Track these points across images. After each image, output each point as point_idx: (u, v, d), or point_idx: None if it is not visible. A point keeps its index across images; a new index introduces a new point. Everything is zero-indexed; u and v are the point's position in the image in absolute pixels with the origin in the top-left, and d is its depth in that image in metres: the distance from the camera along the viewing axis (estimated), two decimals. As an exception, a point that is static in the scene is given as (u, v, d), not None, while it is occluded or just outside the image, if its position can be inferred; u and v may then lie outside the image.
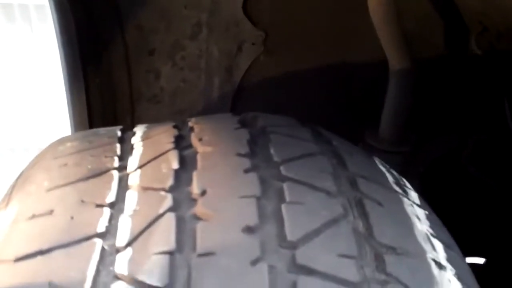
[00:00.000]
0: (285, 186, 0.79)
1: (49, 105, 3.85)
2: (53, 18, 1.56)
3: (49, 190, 0.83)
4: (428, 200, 0.97)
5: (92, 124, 1.72)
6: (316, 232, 0.72)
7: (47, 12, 3.48)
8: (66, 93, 1.67)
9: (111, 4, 1.60)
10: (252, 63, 1.75)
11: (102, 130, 1.05)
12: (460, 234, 0.97)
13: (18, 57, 3.76)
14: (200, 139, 0.90)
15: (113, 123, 1.77)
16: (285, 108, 1.76)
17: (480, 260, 1.92)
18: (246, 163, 0.82)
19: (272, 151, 0.86)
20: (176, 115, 1.81)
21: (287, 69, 1.78)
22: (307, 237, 0.71)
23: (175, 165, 0.84)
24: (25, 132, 3.97)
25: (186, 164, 0.84)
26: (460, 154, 1.75)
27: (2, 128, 3.94)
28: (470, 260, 1.91)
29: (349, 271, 0.69)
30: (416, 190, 0.95)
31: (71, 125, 1.73)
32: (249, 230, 0.72)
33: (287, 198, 0.77)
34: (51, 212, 0.78)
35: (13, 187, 0.92)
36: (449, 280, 0.74)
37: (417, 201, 0.89)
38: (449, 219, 0.96)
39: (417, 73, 1.55)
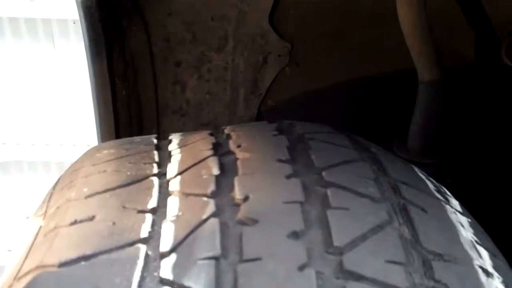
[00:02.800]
0: (328, 191, 0.78)
1: (72, 123, 3.88)
2: (82, 29, 1.57)
3: (89, 196, 0.83)
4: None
5: (118, 135, 1.72)
6: (362, 238, 0.71)
7: (69, 26, 3.52)
8: (94, 104, 1.68)
9: (139, 16, 1.61)
10: (277, 75, 1.75)
11: (137, 138, 1.05)
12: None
13: (41, 73, 3.79)
14: (238, 146, 0.90)
15: (139, 134, 1.77)
16: (311, 121, 1.76)
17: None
18: (287, 169, 0.82)
19: (312, 157, 0.86)
20: (201, 127, 1.81)
21: (313, 81, 1.77)
22: (354, 243, 0.71)
23: (216, 171, 0.83)
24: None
25: (226, 170, 0.84)
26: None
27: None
28: None
29: (398, 277, 0.68)
30: None
31: (98, 136, 1.73)
32: (294, 235, 0.71)
33: (332, 204, 0.76)
34: (92, 217, 0.78)
35: (50, 194, 0.92)
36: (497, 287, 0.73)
37: (459, 208, 0.88)
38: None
39: (447, 83, 1.54)
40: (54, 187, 0.94)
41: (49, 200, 0.89)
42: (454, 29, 1.60)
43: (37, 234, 0.81)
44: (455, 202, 0.90)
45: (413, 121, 1.59)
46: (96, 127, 1.71)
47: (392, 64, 1.69)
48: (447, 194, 0.92)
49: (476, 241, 0.80)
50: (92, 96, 1.67)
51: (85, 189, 0.84)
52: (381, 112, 1.78)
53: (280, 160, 0.84)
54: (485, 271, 0.74)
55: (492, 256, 0.79)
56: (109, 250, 0.72)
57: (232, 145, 0.91)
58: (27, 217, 0.87)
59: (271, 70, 1.75)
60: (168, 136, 1.05)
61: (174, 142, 0.98)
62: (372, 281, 0.67)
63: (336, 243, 0.70)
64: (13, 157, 3.96)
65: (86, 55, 1.61)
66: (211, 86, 1.78)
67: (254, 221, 0.73)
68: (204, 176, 0.83)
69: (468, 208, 0.90)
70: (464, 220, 0.84)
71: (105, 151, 0.97)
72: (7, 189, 4.15)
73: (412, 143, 1.60)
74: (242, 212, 0.75)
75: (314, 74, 1.76)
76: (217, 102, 1.81)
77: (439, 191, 0.89)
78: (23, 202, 4.11)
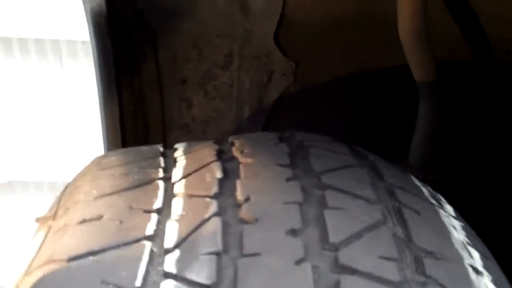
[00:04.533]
0: (326, 193, 0.82)
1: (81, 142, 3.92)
2: (92, 45, 1.61)
3: (97, 197, 0.86)
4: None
5: (125, 150, 1.75)
6: (357, 236, 0.75)
7: (77, 47, 3.57)
8: (101, 119, 1.71)
9: (147, 32, 1.65)
10: (282, 93, 1.77)
11: (143, 147, 1.09)
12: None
13: (49, 93, 3.84)
14: (241, 152, 0.94)
15: (146, 150, 1.80)
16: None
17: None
18: (288, 172, 0.86)
19: (311, 162, 0.89)
20: (207, 144, 1.84)
21: (317, 100, 1.80)
22: (349, 240, 0.74)
23: (219, 174, 0.87)
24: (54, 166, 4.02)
25: (229, 174, 0.88)
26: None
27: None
28: None
29: (390, 271, 0.71)
30: None
31: (104, 151, 1.76)
32: (293, 232, 0.75)
33: (329, 204, 0.79)
34: (100, 217, 0.82)
35: (60, 198, 0.96)
36: (486, 285, 0.76)
37: (453, 213, 0.92)
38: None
39: (448, 99, 1.57)
40: (63, 192, 0.98)
41: (58, 203, 0.93)
42: (455, 46, 1.63)
43: (47, 233, 0.85)
44: (449, 208, 0.93)
45: (414, 138, 1.62)
46: (103, 141, 1.74)
47: (396, 81, 1.71)
48: (442, 200, 0.95)
49: (467, 243, 0.83)
50: (100, 111, 1.71)
51: (94, 191, 0.88)
52: (384, 129, 1.81)
53: (281, 165, 0.88)
54: (475, 270, 0.78)
55: (483, 257, 0.83)
56: (116, 246, 0.76)
57: (235, 151, 0.95)
58: (36, 219, 0.90)
59: (275, 88, 1.78)
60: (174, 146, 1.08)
61: (180, 149, 1.02)
62: (366, 275, 0.70)
63: (332, 240, 0.74)
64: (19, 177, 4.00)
65: (95, 71, 1.65)
66: (216, 103, 1.81)
67: (254, 220, 0.77)
68: (208, 179, 0.86)
69: (470, 223, 0.93)
70: (457, 223, 0.88)
71: (113, 157, 1.01)
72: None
73: (412, 159, 1.63)
74: (243, 212, 0.79)
75: (319, 93, 1.79)
76: (222, 119, 1.84)
77: (433, 197, 0.93)
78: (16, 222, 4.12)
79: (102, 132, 1.75)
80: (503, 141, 1.75)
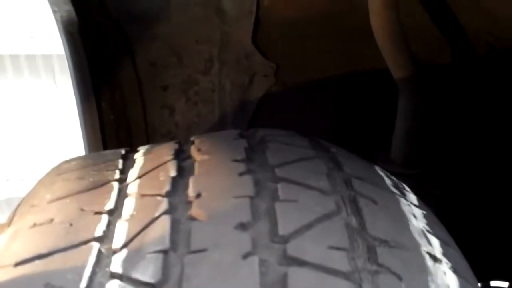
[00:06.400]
0: (279, 186, 0.80)
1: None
2: (66, 56, 1.60)
3: (50, 202, 0.85)
4: (446, 222, 0.96)
5: (107, 160, 1.74)
6: (307, 227, 0.73)
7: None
8: (81, 129, 1.70)
9: (124, 40, 1.64)
10: (264, 95, 1.76)
11: (107, 151, 1.08)
12: (481, 257, 0.96)
13: (43, 108, 3.84)
14: (199, 150, 0.92)
15: (129, 159, 1.78)
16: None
17: (504, 284, 1.90)
18: (241, 167, 0.84)
19: (268, 156, 0.88)
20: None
21: (299, 100, 1.79)
22: (299, 232, 0.72)
23: (173, 173, 0.85)
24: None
25: (184, 172, 0.86)
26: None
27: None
28: (494, 283, 1.88)
29: (339, 261, 0.69)
30: (433, 213, 0.95)
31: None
32: (241, 226, 0.73)
33: (281, 197, 0.78)
34: (51, 220, 0.80)
35: (18, 205, 0.95)
36: (444, 273, 0.74)
37: (415, 202, 0.89)
38: (468, 242, 0.95)
39: (427, 94, 1.55)
40: (22, 200, 0.96)
41: (15, 210, 0.91)
42: (431, 43, 1.62)
43: (1, 240, 0.83)
44: (412, 197, 0.91)
45: (395, 133, 1.60)
46: (85, 152, 1.73)
47: (376, 78, 1.70)
48: (406, 190, 0.93)
49: (427, 230, 0.81)
50: (79, 121, 1.70)
51: (48, 196, 0.87)
52: (366, 126, 1.79)
53: (236, 160, 0.86)
54: (433, 257, 0.76)
55: (443, 244, 0.80)
56: (64, 249, 0.74)
57: (193, 150, 0.93)
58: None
59: (257, 90, 1.77)
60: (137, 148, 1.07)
61: (141, 151, 1.00)
62: (314, 266, 0.68)
63: (281, 232, 0.72)
64: (17, 194, 4.00)
65: (72, 81, 1.64)
66: (199, 108, 1.80)
67: (204, 216, 0.75)
68: (161, 178, 0.85)
69: (458, 217, 0.91)
70: (418, 212, 0.85)
71: (73, 162, 0.99)
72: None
73: (394, 154, 1.61)
74: (194, 209, 0.77)
75: (301, 93, 1.78)
76: (206, 123, 1.82)
77: (396, 187, 0.91)
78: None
79: (83, 142, 1.73)
80: (488, 134, 1.73)
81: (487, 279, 1.88)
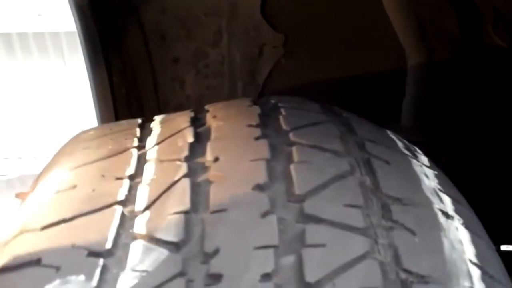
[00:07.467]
0: (293, 149, 0.82)
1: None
2: (77, 31, 1.61)
3: (72, 169, 0.88)
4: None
5: (120, 133, 1.76)
6: (323, 186, 0.75)
7: (78, 39, 3.56)
8: (94, 103, 1.72)
9: (134, 14, 1.65)
10: (274, 66, 1.77)
11: (124, 121, 1.10)
12: (489, 223, 0.98)
13: (52, 88, 3.85)
14: (214, 116, 0.95)
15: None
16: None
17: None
18: (257, 132, 0.86)
19: (281, 121, 0.90)
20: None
21: (308, 71, 1.79)
22: (314, 191, 0.75)
23: (190, 139, 0.88)
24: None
25: (201, 138, 0.88)
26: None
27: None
28: (503, 248, 1.91)
29: (355, 218, 0.72)
30: None
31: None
32: (259, 187, 0.75)
33: (296, 159, 0.80)
34: (74, 186, 0.83)
35: (40, 174, 0.97)
36: (457, 228, 0.77)
37: (427, 163, 0.92)
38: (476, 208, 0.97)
39: (435, 63, 1.57)
40: (43, 168, 0.99)
41: (38, 177, 0.94)
42: (438, 9, 1.62)
43: (24, 206, 0.86)
44: (423, 158, 0.93)
45: (405, 101, 1.62)
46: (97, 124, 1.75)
47: (385, 47, 1.71)
48: (417, 152, 0.95)
49: (439, 189, 0.83)
50: (92, 95, 1.71)
51: (69, 164, 0.89)
52: (376, 96, 1.80)
53: (251, 125, 0.89)
54: (445, 214, 0.78)
55: (455, 202, 0.83)
56: (88, 213, 0.77)
57: (208, 117, 0.96)
58: (16, 194, 0.92)
59: (267, 61, 1.78)
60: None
61: (157, 120, 1.03)
62: (331, 223, 0.70)
63: (298, 192, 0.75)
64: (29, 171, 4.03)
65: (83, 56, 1.66)
66: (209, 81, 1.81)
67: (222, 178, 0.78)
68: (180, 144, 0.87)
69: (464, 186, 0.93)
70: (429, 172, 0.88)
71: (91, 132, 1.02)
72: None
73: (404, 122, 1.63)
74: (212, 172, 0.79)
75: (310, 64, 1.78)
76: (216, 96, 1.83)
77: (408, 149, 0.93)
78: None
79: (96, 116, 1.75)
80: (497, 103, 1.74)
81: (497, 244, 1.90)
